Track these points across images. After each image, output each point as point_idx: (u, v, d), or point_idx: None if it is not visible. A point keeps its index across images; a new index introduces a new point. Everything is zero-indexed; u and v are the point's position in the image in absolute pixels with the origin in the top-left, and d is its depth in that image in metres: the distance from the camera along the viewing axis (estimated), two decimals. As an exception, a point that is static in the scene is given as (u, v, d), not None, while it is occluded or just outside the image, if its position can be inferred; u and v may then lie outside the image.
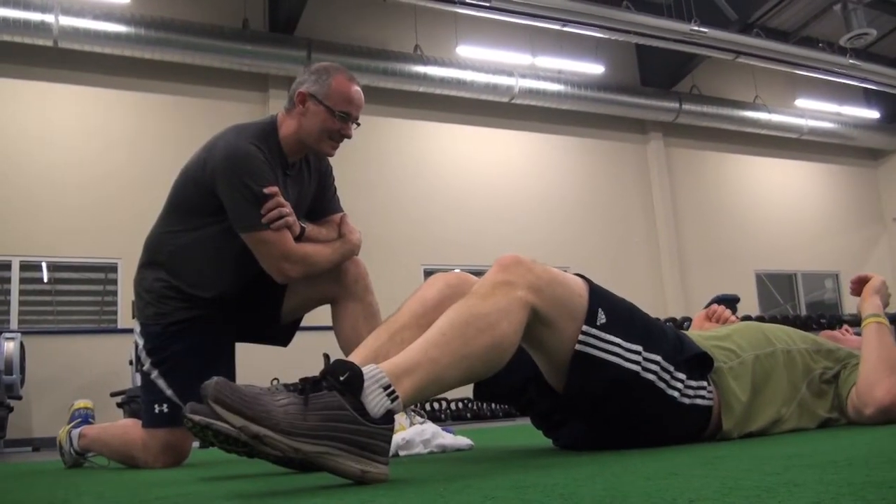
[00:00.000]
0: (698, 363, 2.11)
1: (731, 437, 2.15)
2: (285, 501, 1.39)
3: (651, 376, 1.97)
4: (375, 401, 1.53)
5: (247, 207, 2.75)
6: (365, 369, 1.55)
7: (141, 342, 2.99)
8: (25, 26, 9.62)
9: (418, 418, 3.03)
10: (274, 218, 2.74)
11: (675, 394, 2.03)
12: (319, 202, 3.16)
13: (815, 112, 15.60)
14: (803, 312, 15.37)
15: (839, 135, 16.11)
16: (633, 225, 14.26)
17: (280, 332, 3.15)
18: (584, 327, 1.90)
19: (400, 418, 3.03)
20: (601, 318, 1.93)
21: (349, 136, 2.94)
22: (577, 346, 1.90)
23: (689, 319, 11.39)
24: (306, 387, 1.50)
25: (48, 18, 9.62)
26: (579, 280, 1.98)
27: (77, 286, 10.74)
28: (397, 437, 2.89)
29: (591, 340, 1.91)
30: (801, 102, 15.51)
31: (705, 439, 2.17)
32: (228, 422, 1.44)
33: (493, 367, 1.76)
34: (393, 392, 1.55)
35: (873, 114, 16.55)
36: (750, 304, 14.19)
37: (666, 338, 2.06)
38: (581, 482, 1.34)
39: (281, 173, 2.91)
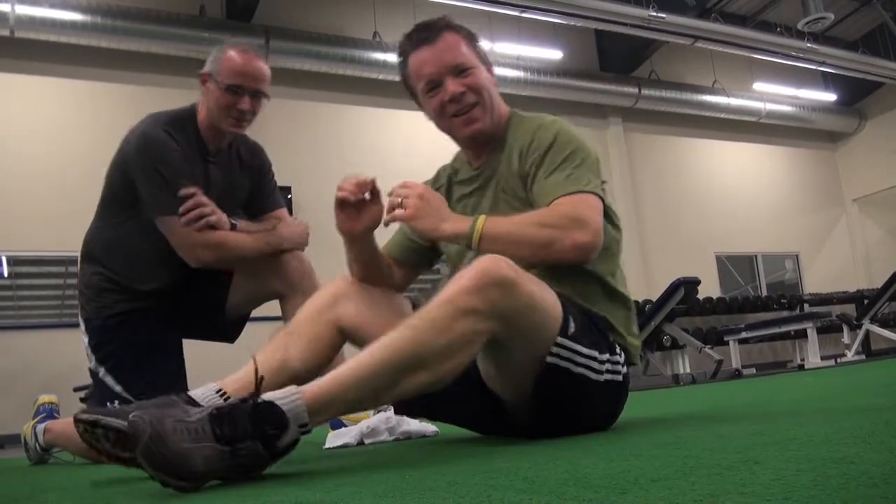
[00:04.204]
0: (607, 333, 2.07)
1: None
2: (247, 493, 1.38)
3: (605, 376, 1.96)
4: (288, 439, 1.54)
5: (157, 193, 2.73)
6: (289, 408, 1.53)
7: (86, 339, 2.96)
8: (-20, 16, 9.44)
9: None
10: (193, 218, 2.70)
11: (619, 377, 2.03)
12: (257, 200, 3.10)
13: (773, 96, 15.70)
14: (764, 293, 15.54)
15: (798, 118, 16.22)
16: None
17: (226, 329, 3.10)
18: (559, 339, 1.83)
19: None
20: (571, 327, 1.87)
21: (246, 110, 2.83)
22: (549, 359, 1.83)
23: (650, 302, 11.45)
24: (235, 437, 1.50)
25: (5, 7, 9.42)
26: (554, 296, 1.87)
27: (37, 280, 10.59)
28: (362, 425, 2.89)
29: (562, 352, 1.85)
30: (760, 86, 15.58)
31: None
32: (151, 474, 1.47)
33: (421, 394, 1.71)
34: (306, 429, 1.56)
35: (831, 97, 16.69)
36: (711, 286, 14.30)
37: (595, 329, 2.02)
38: (544, 466, 1.34)
39: (200, 159, 2.88)
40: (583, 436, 1.96)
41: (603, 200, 2.08)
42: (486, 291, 1.65)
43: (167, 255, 2.85)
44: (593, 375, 1.92)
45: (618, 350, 2.06)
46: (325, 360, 2.15)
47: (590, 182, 2.06)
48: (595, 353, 1.93)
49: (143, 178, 2.75)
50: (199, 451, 1.46)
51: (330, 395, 1.58)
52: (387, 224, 2.18)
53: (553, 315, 1.84)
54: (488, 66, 2.29)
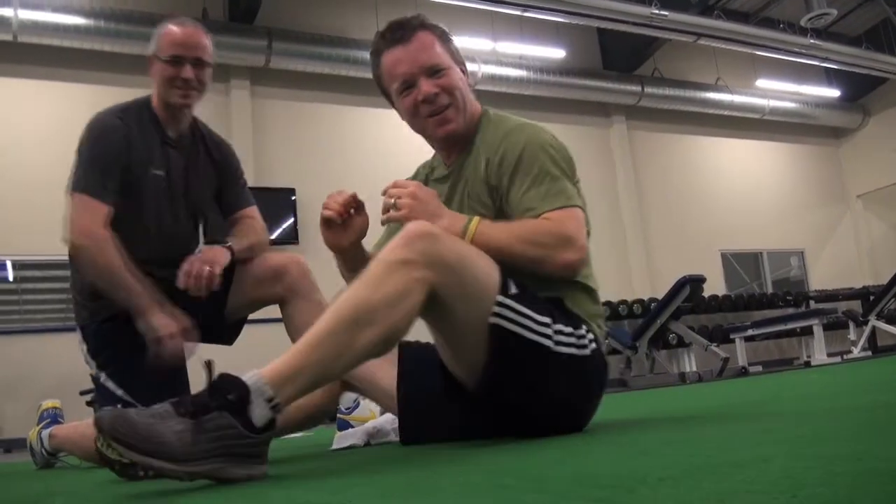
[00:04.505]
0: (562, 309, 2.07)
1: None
2: (250, 493, 1.38)
3: (566, 349, 1.95)
4: (260, 413, 1.57)
5: (78, 170, 2.78)
6: (249, 381, 1.57)
7: (84, 346, 2.94)
8: (-17, 22, 9.44)
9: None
10: (202, 287, 2.69)
11: (587, 352, 2.02)
12: (226, 197, 3.12)
13: (776, 92, 15.67)
14: (769, 290, 15.51)
15: (801, 114, 16.22)
16: (597, 208, 14.25)
17: (224, 331, 3.07)
18: (499, 297, 1.86)
19: (370, 405, 3.02)
20: (512, 287, 1.89)
21: (189, 78, 2.86)
22: (492, 319, 1.85)
23: (655, 300, 11.45)
24: (198, 410, 1.53)
25: (7, 12, 9.45)
26: (492, 260, 1.91)
27: (43, 284, 10.61)
28: (368, 426, 2.89)
29: (506, 312, 1.86)
30: (763, 83, 15.54)
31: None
32: (125, 458, 1.51)
33: (382, 353, 1.78)
34: (275, 403, 1.58)
35: (834, 93, 16.66)
36: (716, 283, 14.28)
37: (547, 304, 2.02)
38: (551, 465, 1.34)
39: (159, 142, 2.89)
40: (586, 435, 1.96)
41: (583, 210, 2.12)
42: (414, 242, 1.75)
43: (139, 244, 2.82)
44: (551, 344, 1.91)
45: (583, 327, 2.05)
46: (318, 402, 2.46)
47: (571, 196, 2.11)
48: (548, 321, 1.92)
49: (76, 157, 2.80)
50: (167, 427, 1.49)
51: (290, 365, 1.62)
52: (384, 224, 2.21)
53: (490, 273, 1.89)
54: (462, 65, 2.32)
